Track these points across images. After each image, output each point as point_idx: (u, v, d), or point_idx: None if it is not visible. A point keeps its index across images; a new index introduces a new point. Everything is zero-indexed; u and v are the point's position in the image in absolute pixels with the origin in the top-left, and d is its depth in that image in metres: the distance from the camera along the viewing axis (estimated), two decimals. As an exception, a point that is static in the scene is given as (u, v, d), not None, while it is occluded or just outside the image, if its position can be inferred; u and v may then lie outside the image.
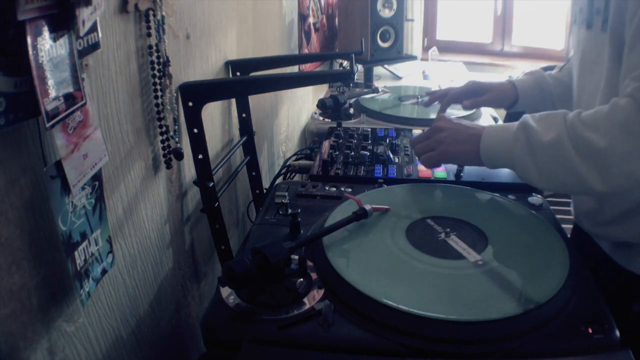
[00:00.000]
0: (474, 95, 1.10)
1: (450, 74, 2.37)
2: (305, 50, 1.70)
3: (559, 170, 0.67)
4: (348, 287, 0.60)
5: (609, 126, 0.65)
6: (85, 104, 0.51)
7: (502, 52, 3.57)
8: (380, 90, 1.73)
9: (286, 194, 0.85)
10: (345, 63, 2.01)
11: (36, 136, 0.48)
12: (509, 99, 1.08)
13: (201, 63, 0.88)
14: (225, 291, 0.61)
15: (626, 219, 0.79)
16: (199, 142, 0.82)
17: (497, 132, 0.75)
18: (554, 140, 0.67)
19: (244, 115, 1.07)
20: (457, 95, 1.12)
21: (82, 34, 0.50)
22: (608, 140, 0.64)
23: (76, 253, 0.52)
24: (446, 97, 1.12)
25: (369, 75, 2.04)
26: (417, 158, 0.89)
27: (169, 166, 0.77)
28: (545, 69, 1.14)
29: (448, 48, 3.48)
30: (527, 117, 0.73)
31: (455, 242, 0.69)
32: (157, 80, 0.72)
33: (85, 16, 0.48)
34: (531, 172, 0.70)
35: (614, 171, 0.64)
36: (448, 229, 0.71)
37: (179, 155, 0.77)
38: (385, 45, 1.95)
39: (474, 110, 1.50)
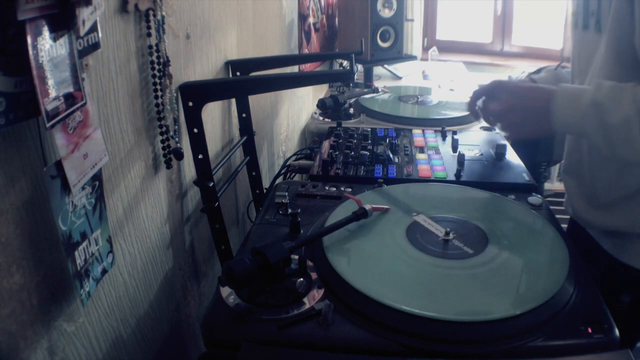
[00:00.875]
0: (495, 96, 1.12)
1: (450, 74, 2.37)
2: (305, 50, 1.70)
3: (628, 148, 0.70)
4: (348, 287, 0.60)
5: None
6: (85, 104, 0.51)
7: (502, 52, 3.57)
8: (380, 90, 1.73)
9: (286, 194, 0.85)
10: (345, 63, 2.01)
11: (36, 136, 0.48)
12: None
13: (201, 63, 0.88)
14: (225, 291, 0.61)
15: (618, 206, 0.80)
16: (199, 142, 0.82)
17: (567, 107, 0.75)
18: (623, 121, 0.69)
19: (244, 115, 1.07)
20: (477, 95, 1.10)
21: (82, 33, 0.50)
22: None
23: (76, 253, 0.52)
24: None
25: (369, 75, 2.04)
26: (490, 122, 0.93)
27: (169, 166, 0.77)
28: (537, 71, 1.14)
29: (448, 48, 3.48)
30: (596, 89, 0.72)
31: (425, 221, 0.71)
32: (157, 80, 0.72)
33: (85, 16, 0.48)
34: (602, 147, 0.73)
35: None
36: (448, 229, 0.71)
37: (179, 155, 0.77)
38: (385, 45, 1.95)
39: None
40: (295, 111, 1.69)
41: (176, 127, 0.78)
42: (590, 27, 0.81)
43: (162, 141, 0.75)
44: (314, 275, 0.64)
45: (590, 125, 0.72)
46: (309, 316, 0.57)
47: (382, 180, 0.90)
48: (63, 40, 0.47)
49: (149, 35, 0.69)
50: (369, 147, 1.11)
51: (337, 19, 2.11)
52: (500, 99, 0.84)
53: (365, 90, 1.63)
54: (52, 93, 0.45)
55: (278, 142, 1.51)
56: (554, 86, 0.79)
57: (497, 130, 0.92)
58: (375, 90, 1.71)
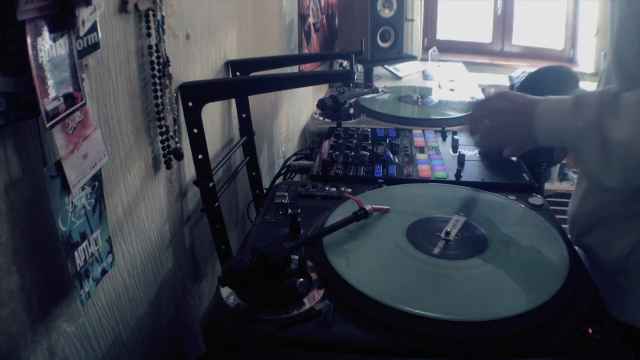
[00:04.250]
0: None
1: (450, 74, 2.37)
2: (305, 50, 1.70)
3: (591, 157, 0.65)
4: (348, 287, 0.60)
5: (632, 117, 0.61)
6: (85, 104, 0.51)
7: (502, 52, 3.57)
8: (380, 90, 1.73)
9: (286, 194, 0.85)
10: (345, 63, 2.01)
11: (36, 136, 0.48)
12: None
13: (201, 63, 0.88)
14: (225, 291, 0.61)
15: (595, 229, 0.78)
16: (199, 142, 0.82)
17: (552, 108, 0.71)
18: (586, 126, 0.65)
19: (244, 115, 1.07)
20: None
21: (82, 34, 0.50)
22: (626, 132, 0.61)
23: (76, 253, 0.52)
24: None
25: (369, 75, 2.04)
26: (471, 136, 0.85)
27: (169, 166, 0.77)
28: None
29: (448, 48, 3.48)
30: (579, 94, 0.69)
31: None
32: (157, 80, 0.72)
33: (85, 16, 0.48)
34: (584, 158, 0.67)
35: (619, 166, 0.62)
36: (448, 229, 0.71)
37: (179, 155, 0.77)
38: (385, 45, 1.95)
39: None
40: (295, 111, 1.69)
41: (176, 127, 0.78)
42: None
43: (162, 141, 0.75)
44: (314, 276, 0.64)
45: (570, 130, 0.67)
46: (309, 316, 0.57)
47: (382, 181, 0.90)
48: (63, 41, 0.47)
49: (149, 35, 0.69)
50: (369, 147, 1.11)
51: (337, 19, 2.11)
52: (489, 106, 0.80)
53: (365, 90, 1.63)
54: (52, 93, 0.45)
55: (278, 142, 1.51)
56: None
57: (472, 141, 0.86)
58: (375, 91, 1.72)
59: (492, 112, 0.79)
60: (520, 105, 0.75)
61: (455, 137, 1.15)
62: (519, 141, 0.77)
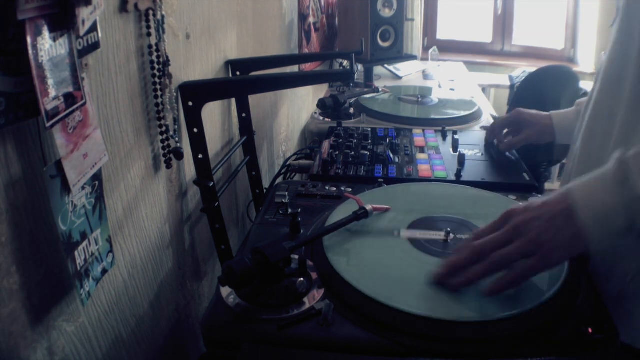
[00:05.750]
0: (515, 128, 1.07)
1: (451, 73, 2.37)
2: (305, 50, 1.70)
3: None
4: (348, 287, 0.60)
5: None
6: (85, 103, 0.51)
7: (503, 51, 3.57)
8: (380, 90, 1.73)
9: (286, 193, 0.85)
10: (345, 63, 2.01)
11: (36, 136, 0.48)
12: (548, 134, 1.01)
13: (201, 63, 0.88)
14: (225, 291, 0.61)
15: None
16: (199, 142, 0.82)
17: (591, 196, 0.56)
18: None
19: (244, 115, 1.07)
20: (500, 127, 1.12)
21: (82, 33, 0.50)
22: None
23: (76, 253, 0.52)
24: (495, 129, 1.13)
25: (369, 75, 2.04)
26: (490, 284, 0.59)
27: (169, 166, 0.77)
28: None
29: (448, 48, 3.48)
30: (623, 161, 0.56)
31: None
32: (157, 80, 0.72)
33: (85, 16, 0.48)
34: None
35: None
36: (448, 229, 0.71)
37: (179, 155, 0.77)
38: (385, 45, 1.95)
39: (475, 109, 1.50)
40: (295, 111, 1.69)
41: (176, 127, 0.78)
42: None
43: (162, 141, 0.75)
44: (314, 275, 0.64)
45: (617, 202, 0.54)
46: (309, 316, 0.57)
47: (382, 180, 0.90)
48: (63, 40, 0.47)
49: (149, 35, 0.69)
50: (369, 147, 1.11)
51: (337, 19, 2.11)
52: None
53: (366, 90, 1.63)
54: (52, 93, 0.45)
55: (278, 142, 1.51)
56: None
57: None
58: (376, 90, 1.72)
59: (520, 231, 0.59)
60: (550, 206, 0.58)
61: (456, 136, 1.15)
62: (568, 249, 0.57)
